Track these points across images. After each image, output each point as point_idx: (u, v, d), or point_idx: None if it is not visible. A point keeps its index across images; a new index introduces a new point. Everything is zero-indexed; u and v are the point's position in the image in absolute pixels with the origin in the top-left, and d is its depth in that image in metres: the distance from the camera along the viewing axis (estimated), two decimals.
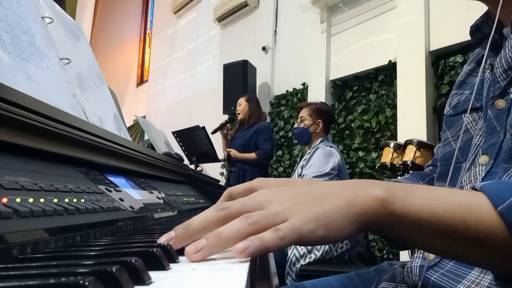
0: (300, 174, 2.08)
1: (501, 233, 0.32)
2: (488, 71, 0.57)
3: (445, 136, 0.66)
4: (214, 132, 3.15)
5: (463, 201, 0.33)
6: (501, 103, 0.51)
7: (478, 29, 0.62)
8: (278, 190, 0.38)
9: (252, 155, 2.95)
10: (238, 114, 3.12)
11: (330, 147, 2.10)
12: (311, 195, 0.36)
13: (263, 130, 3.00)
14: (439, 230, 0.33)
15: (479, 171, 0.53)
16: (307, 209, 0.34)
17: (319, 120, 2.19)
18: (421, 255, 0.59)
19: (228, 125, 3.23)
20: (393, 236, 0.36)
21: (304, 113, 2.23)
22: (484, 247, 0.33)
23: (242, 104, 3.11)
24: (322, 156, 2.01)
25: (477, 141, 0.56)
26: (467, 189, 0.53)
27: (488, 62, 0.58)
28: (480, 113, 0.57)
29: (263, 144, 2.96)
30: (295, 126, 2.28)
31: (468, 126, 0.59)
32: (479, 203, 0.33)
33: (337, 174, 1.99)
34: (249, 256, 0.32)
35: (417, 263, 0.58)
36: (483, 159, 0.53)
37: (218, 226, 0.36)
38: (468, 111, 0.57)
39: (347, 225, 0.34)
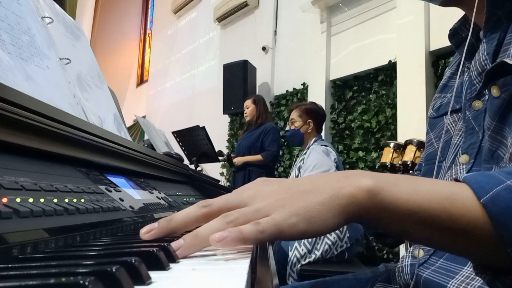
0: (297, 176, 2.08)
1: (484, 224, 0.32)
2: (467, 74, 0.58)
3: (429, 137, 0.68)
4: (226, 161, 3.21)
5: (447, 192, 0.34)
6: (478, 104, 0.53)
7: (456, 33, 0.64)
8: (264, 184, 0.39)
9: (258, 157, 2.92)
10: (246, 116, 3.10)
11: (325, 146, 2.11)
12: (296, 189, 0.36)
13: (269, 131, 2.96)
14: (423, 220, 0.34)
15: (460, 169, 0.54)
16: (289, 204, 0.34)
17: (309, 120, 2.20)
18: (410, 254, 0.60)
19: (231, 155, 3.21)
20: (378, 227, 0.36)
21: (294, 114, 2.24)
22: (467, 237, 0.33)
23: (249, 107, 3.08)
24: (323, 155, 2.02)
25: (456, 141, 0.57)
26: None
27: (466, 65, 0.59)
28: (459, 114, 0.59)
29: (269, 145, 2.92)
30: (287, 128, 2.29)
31: (449, 127, 0.61)
32: (462, 194, 0.33)
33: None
34: (226, 247, 0.33)
35: (408, 262, 0.59)
36: (464, 158, 0.54)
37: (200, 222, 0.37)
38: (449, 113, 0.59)
39: (330, 218, 0.34)
